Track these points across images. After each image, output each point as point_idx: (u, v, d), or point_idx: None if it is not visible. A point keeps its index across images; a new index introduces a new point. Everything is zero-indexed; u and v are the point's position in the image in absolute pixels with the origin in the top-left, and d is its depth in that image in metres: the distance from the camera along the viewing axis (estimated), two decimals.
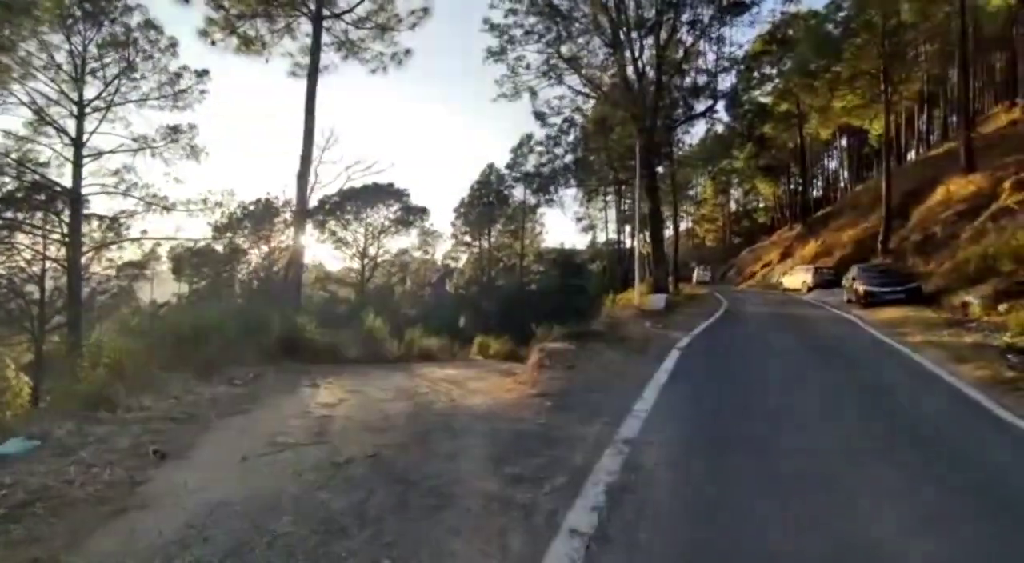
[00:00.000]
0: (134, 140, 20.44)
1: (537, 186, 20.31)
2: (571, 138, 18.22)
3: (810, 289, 25.21)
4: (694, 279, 38.37)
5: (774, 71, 32.36)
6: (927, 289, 15.43)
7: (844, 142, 53.64)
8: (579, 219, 50.55)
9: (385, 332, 12.10)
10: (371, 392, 5.89)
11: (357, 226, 46.89)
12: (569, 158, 17.34)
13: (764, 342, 9.18)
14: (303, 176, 13.25)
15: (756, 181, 56.66)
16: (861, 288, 15.89)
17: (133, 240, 23.07)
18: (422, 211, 47.03)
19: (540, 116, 18.84)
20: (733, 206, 68.73)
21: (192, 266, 44.65)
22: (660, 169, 33.12)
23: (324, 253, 46.50)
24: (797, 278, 26.74)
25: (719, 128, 33.21)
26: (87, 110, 18.98)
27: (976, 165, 24.12)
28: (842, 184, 55.50)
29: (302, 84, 13.79)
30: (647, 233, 22.48)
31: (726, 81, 23.29)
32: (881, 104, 33.31)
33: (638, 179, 16.46)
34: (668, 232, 32.82)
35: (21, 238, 20.72)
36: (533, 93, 18.22)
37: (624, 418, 4.35)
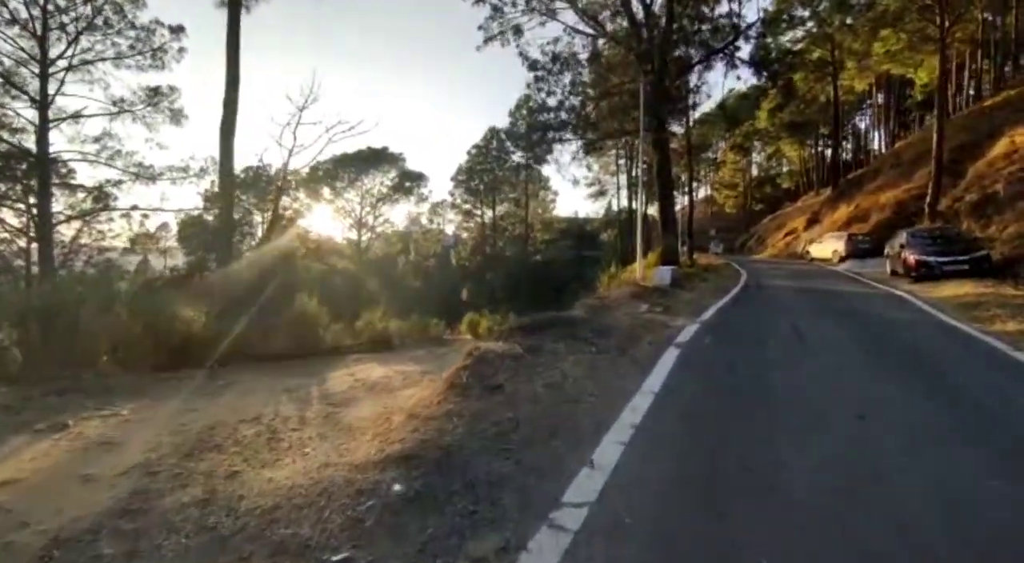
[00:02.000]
0: (113, 104, 19.12)
1: (526, 143, 17.41)
2: (566, 81, 15.34)
3: (842, 259, 22.33)
4: (709, 250, 35.47)
5: (806, 13, 28.54)
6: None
7: (880, 98, 49.00)
8: (589, 184, 47.39)
9: (322, 316, 9.91)
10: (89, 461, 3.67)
11: (353, 193, 44.61)
12: (563, 110, 14.70)
13: (797, 335, 6.74)
14: (227, 129, 10.87)
15: (780, 143, 52.55)
16: (912, 257, 13.15)
17: (103, 209, 21.62)
18: (419, 177, 44.45)
19: (533, 64, 16.05)
20: (755, 171, 64.59)
21: (195, 238, 43.16)
22: (677, 129, 29.89)
23: (321, 223, 44.40)
24: (827, 247, 23.79)
25: (740, 77, 29.58)
26: (54, 69, 17.56)
27: None
28: (876, 146, 51.04)
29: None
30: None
31: (750, 13, 19.90)
32: (928, 48, 29.33)
33: (641, 130, 13.71)
34: (684, 198, 29.83)
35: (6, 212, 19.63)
36: (518, 32, 15.33)
37: None
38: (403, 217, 49.65)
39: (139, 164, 20.93)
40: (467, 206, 55.00)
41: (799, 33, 30.13)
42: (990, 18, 35.16)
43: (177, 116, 20.90)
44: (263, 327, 8.66)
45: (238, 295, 9.10)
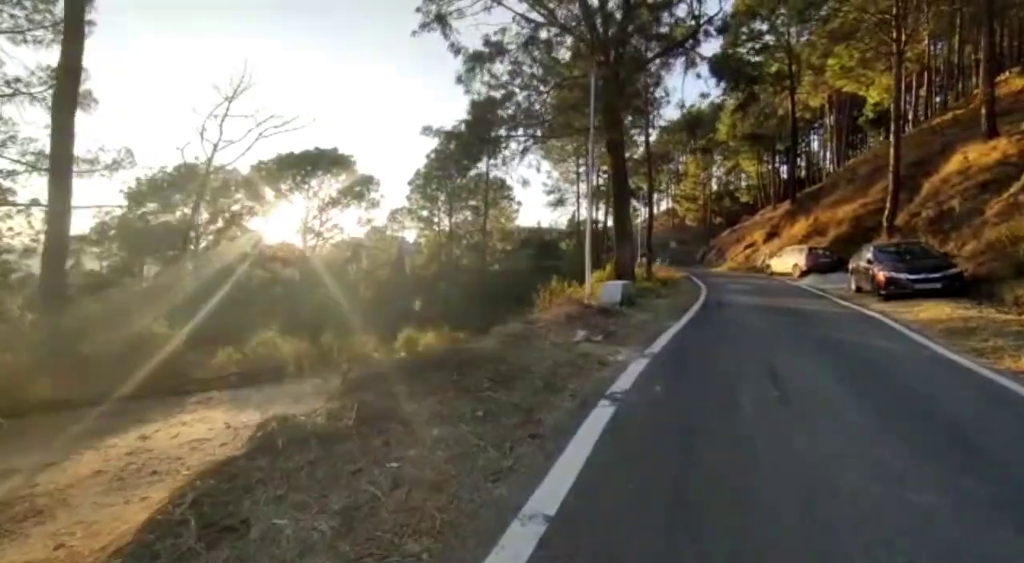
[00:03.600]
0: (7, 84, 16.57)
1: (461, 142, 15.47)
2: (506, 69, 13.56)
3: (803, 273, 21.44)
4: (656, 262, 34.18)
5: (765, 26, 28.15)
6: None
7: (832, 119, 50.03)
8: (548, 192, 46.09)
9: (173, 338, 7.68)
10: None
11: (300, 196, 41.65)
12: (510, 104, 13.02)
13: (773, 381, 5.08)
14: (64, 100, 8.47)
15: (740, 157, 52.94)
16: (882, 274, 11.98)
17: None
18: (370, 181, 41.99)
19: (476, 55, 14.25)
20: (715, 184, 65.11)
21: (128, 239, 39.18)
22: (637, 138, 28.72)
23: (267, 227, 41.19)
24: (787, 261, 22.94)
25: (700, 75, 28.61)
26: None
27: (998, 130, 20.42)
28: (827, 166, 51.98)
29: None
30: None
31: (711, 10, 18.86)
32: (880, 66, 29.44)
33: (591, 125, 12.10)
34: (646, 209, 28.66)
35: None
36: (439, 21, 13.51)
37: None
38: (356, 223, 46.71)
39: (39, 153, 18.22)
40: (424, 213, 52.81)
41: (757, 46, 29.81)
42: (935, 45, 36.15)
43: (84, 100, 18.10)
44: (73, 361, 6.38)
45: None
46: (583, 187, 40.18)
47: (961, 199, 18.93)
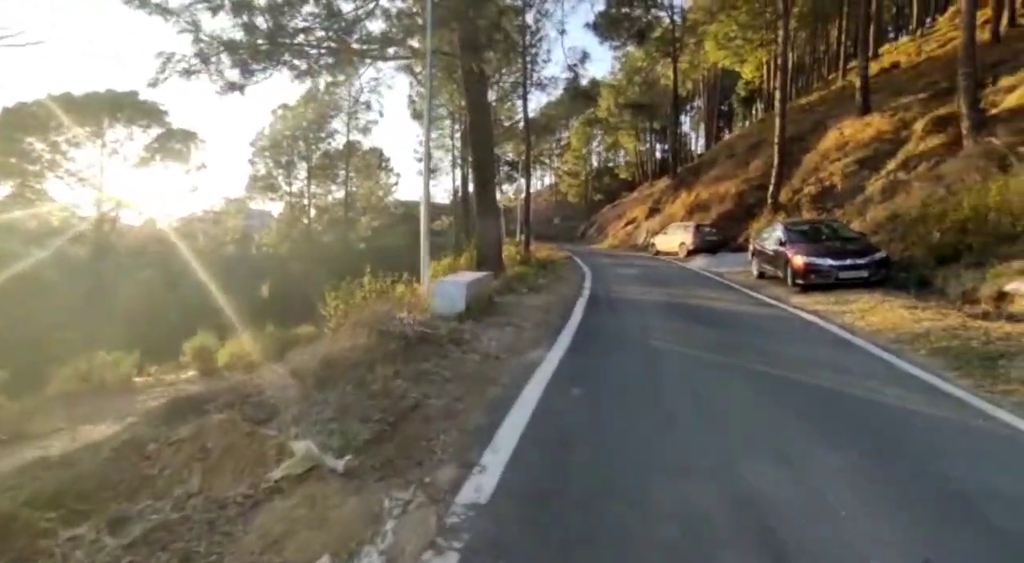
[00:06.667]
0: None
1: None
2: None
3: (690, 253, 19.54)
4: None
5: None
6: None
7: (704, 101, 51.10)
8: (420, 160, 40.96)
9: None
10: None
11: (91, 152, 31.77)
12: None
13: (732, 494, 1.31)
14: None
15: (620, 133, 52.22)
16: (800, 259, 9.52)
17: None
18: (190, 137, 33.41)
19: None
20: (595, 161, 64.61)
21: None
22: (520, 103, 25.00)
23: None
24: (673, 239, 20.98)
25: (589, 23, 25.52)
26: None
27: (870, 106, 19.98)
28: (698, 149, 53.45)
29: None
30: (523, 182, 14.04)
31: None
32: (756, 40, 28.91)
33: (428, 65, 7.83)
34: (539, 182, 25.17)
35: None
36: None
37: None
38: (189, 192, 37.11)
39: None
40: (274, 181, 44.67)
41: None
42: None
43: None
44: None
45: None
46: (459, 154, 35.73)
47: (842, 176, 18.07)
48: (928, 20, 32.13)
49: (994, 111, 14.08)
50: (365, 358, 4.04)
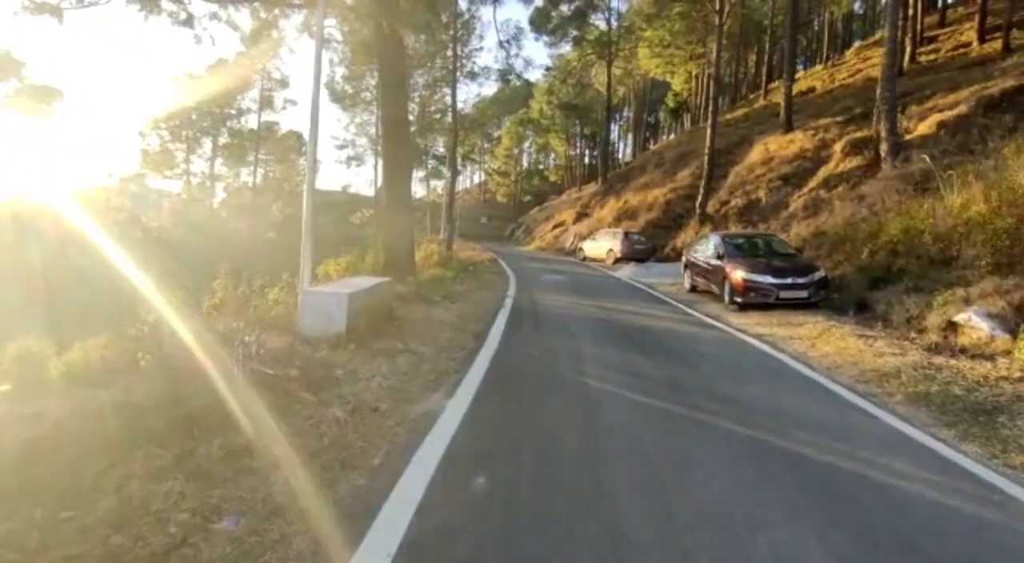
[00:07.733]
0: None
1: None
2: None
3: (618, 260, 18.94)
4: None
5: None
6: None
7: (632, 111, 52.09)
8: (341, 147, 38.12)
9: None
10: None
11: None
12: None
13: None
14: None
15: (550, 135, 51.87)
16: (739, 275, 8.79)
17: None
18: (54, 94, 28.33)
19: None
20: (526, 162, 64.08)
21: None
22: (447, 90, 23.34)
23: None
24: (602, 245, 20.32)
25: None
26: None
27: (793, 125, 20.51)
28: (624, 157, 54.46)
29: None
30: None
31: None
32: (686, 53, 29.39)
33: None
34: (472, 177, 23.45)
35: None
36: None
37: None
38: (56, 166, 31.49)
39: None
40: (170, 157, 39.48)
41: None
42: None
43: None
44: None
45: None
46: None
47: (767, 190, 18.23)
48: (834, 55, 34.39)
49: (908, 137, 14.50)
50: (120, 432, 2.36)
